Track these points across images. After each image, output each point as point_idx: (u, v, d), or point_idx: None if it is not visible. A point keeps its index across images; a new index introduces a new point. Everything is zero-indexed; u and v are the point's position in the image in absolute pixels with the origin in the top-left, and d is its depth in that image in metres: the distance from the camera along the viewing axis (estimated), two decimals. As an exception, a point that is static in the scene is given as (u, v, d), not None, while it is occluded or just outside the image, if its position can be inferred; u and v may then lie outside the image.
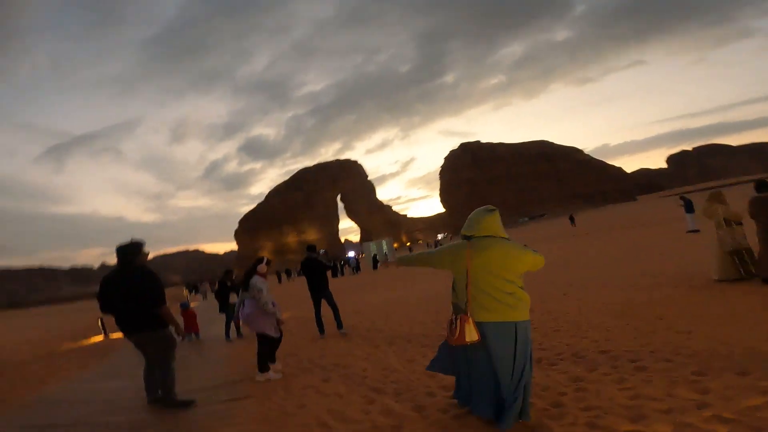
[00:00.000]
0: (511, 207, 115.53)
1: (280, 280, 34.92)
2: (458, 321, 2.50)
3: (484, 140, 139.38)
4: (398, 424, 2.74)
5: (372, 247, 32.24)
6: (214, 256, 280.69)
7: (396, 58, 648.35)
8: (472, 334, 2.45)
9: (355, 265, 27.02)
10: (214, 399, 4.04)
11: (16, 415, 4.26)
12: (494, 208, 2.63)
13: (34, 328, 17.45)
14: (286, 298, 15.39)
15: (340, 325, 6.43)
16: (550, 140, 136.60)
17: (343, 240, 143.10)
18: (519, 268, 2.51)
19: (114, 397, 4.67)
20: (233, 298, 7.85)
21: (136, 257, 3.72)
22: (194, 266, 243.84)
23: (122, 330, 3.71)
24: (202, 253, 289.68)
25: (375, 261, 27.12)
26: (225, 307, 8.14)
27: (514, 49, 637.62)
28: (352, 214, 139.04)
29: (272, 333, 4.52)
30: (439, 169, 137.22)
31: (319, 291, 6.46)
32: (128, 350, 6.12)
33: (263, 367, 4.47)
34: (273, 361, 4.63)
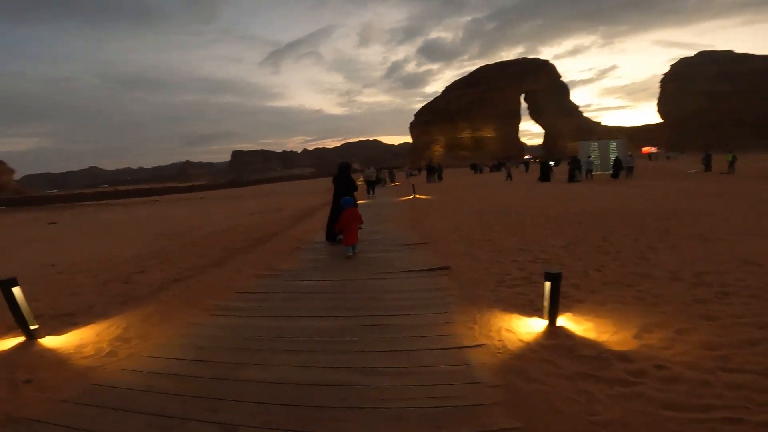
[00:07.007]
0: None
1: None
2: None
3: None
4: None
5: (593, 148, 26.62)
6: (389, 147, 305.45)
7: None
8: None
9: (588, 169, 23.03)
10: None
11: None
12: None
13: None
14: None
15: None
16: None
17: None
18: None
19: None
20: None
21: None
22: (371, 154, 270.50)
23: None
24: (380, 143, 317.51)
25: (617, 166, 21.70)
26: None
27: None
28: (536, 115, 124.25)
29: None
30: (646, 79, 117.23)
31: None
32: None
33: None
34: None
